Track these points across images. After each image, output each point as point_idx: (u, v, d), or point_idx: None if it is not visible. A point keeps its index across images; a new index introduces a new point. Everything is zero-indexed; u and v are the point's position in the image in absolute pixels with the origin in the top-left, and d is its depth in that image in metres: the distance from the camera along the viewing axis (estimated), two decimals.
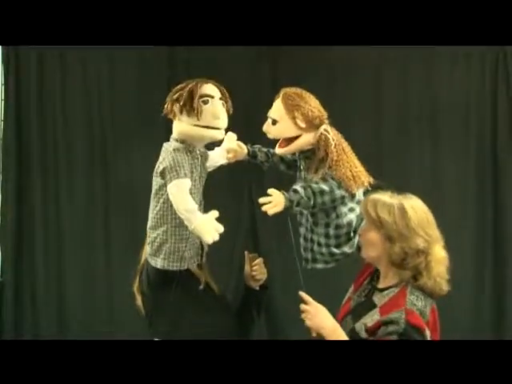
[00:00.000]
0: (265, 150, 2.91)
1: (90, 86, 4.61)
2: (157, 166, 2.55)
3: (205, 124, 2.54)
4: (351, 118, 4.47)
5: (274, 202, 2.48)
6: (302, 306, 2.43)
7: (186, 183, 2.46)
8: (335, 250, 2.73)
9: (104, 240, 4.62)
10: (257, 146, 2.91)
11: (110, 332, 4.41)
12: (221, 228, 2.40)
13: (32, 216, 4.59)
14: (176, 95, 2.55)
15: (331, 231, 2.71)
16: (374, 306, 2.44)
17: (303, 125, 2.63)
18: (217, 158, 2.80)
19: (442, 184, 4.61)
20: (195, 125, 2.54)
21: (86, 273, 4.59)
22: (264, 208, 2.48)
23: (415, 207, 2.44)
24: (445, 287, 2.42)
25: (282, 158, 2.87)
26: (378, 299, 2.45)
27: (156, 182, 2.55)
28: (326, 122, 2.68)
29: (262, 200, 2.48)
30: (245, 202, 4.61)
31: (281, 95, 2.68)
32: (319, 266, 2.79)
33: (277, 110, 2.68)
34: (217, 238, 2.39)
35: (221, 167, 2.86)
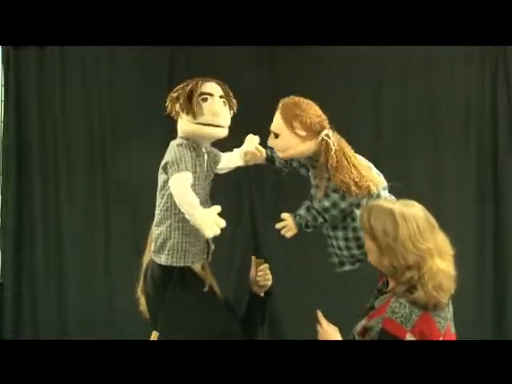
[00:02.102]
0: None
1: (90, 85, 4.61)
2: (162, 163, 2.55)
3: (204, 122, 2.54)
4: (351, 118, 4.47)
5: (288, 226, 2.70)
6: (317, 327, 2.47)
7: (187, 177, 2.45)
8: (356, 252, 2.73)
9: (104, 240, 4.62)
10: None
11: (109, 332, 4.41)
12: (222, 222, 2.35)
13: (32, 216, 4.59)
14: (176, 94, 2.56)
15: (349, 234, 2.72)
16: (373, 309, 2.44)
17: (303, 133, 2.62)
18: (234, 160, 2.81)
19: (442, 184, 4.61)
20: (196, 123, 2.54)
21: (85, 273, 4.59)
22: (282, 232, 2.72)
23: (407, 217, 2.34)
24: (443, 299, 2.33)
25: (300, 163, 2.84)
26: (377, 304, 2.45)
27: (161, 177, 2.55)
28: (327, 126, 2.66)
29: (278, 226, 2.72)
30: (245, 203, 4.61)
31: (279, 107, 2.68)
32: (347, 268, 2.81)
33: (277, 123, 2.68)
34: (218, 232, 2.35)
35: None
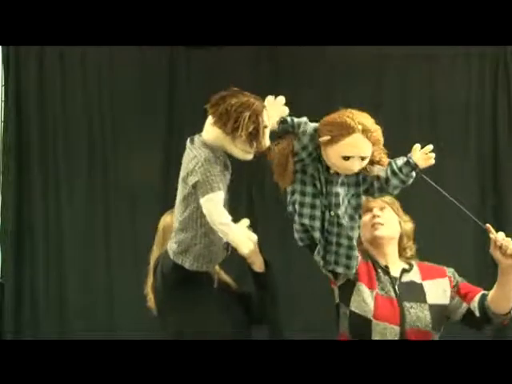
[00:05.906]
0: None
1: (90, 85, 4.60)
2: (184, 173, 2.46)
3: (242, 149, 2.41)
4: None
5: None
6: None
7: (220, 196, 2.39)
8: None
9: (104, 240, 4.62)
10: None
11: (110, 332, 4.41)
12: (254, 237, 2.40)
13: (32, 216, 4.58)
14: (251, 125, 2.33)
15: None
16: None
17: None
18: None
19: (442, 184, 4.59)
20: (244, 150, 2.40)
21: (86, 273, 4.59)
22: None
23: None
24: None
25: None
26: None
27: (184, 188, 2.48)
28: None
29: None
30: (244, 203, 4.60)
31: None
32: None
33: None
34: (252, 247, 2.39)
35: None
